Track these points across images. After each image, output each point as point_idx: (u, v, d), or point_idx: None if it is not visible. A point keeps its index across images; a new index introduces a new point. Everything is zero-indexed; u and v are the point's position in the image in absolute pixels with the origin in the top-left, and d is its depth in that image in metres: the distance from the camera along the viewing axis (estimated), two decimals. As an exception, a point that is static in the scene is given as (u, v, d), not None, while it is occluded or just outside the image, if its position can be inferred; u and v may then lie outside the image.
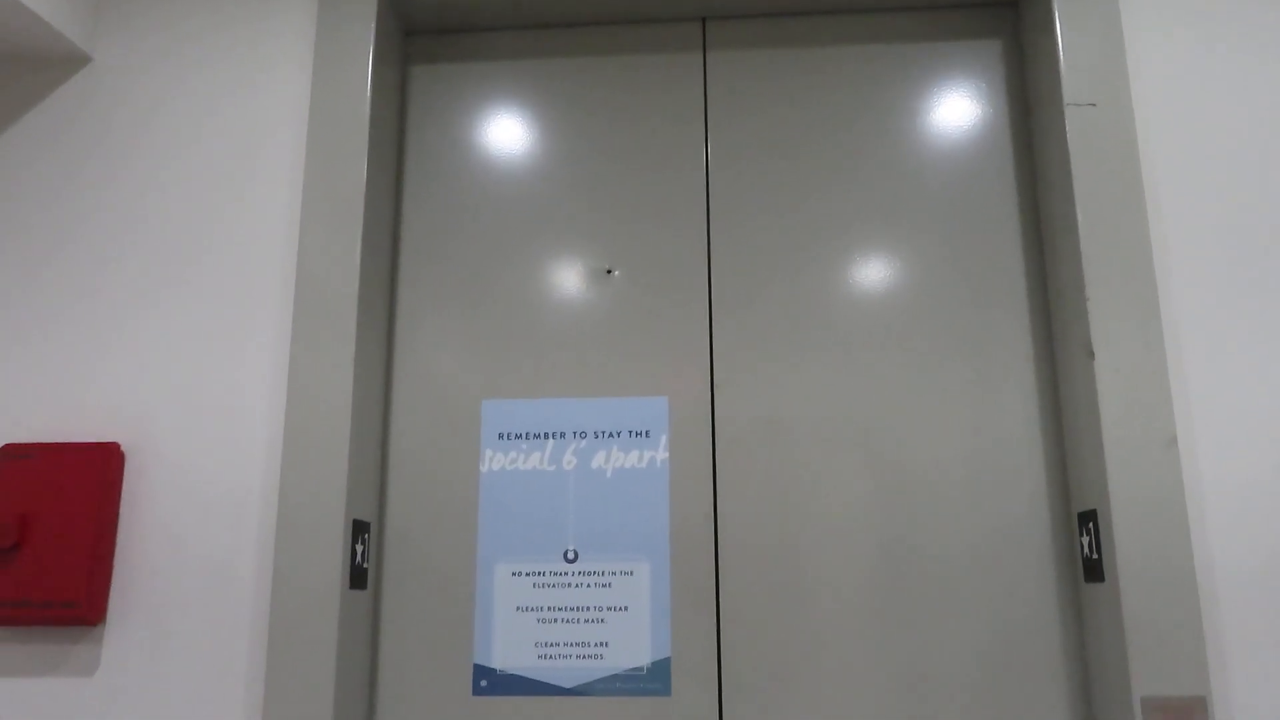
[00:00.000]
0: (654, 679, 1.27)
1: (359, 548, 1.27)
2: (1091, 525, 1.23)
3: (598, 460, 1.33)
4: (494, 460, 1.35)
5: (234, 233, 1.36)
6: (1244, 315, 1.25)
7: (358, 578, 1.27)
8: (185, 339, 1.33)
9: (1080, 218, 1.27)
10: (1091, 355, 1.23)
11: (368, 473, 1.32)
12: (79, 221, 1.39)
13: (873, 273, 1.39)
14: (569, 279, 1.42)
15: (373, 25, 1.41)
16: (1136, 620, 1.16)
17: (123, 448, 1.30)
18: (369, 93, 1.38)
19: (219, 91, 1.42)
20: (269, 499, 1.27)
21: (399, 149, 1.50)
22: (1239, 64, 1.33)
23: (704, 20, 1.51)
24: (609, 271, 1.42)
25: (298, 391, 1.28)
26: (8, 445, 1.27)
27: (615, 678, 1.27)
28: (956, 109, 1.45)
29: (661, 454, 1.33)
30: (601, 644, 1.28)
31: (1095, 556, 1.22)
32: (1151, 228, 1.28)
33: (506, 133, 1.49)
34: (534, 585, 1.30)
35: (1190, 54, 1.34)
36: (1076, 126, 1.30)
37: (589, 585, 1.30)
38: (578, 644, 1.28)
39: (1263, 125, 1.31)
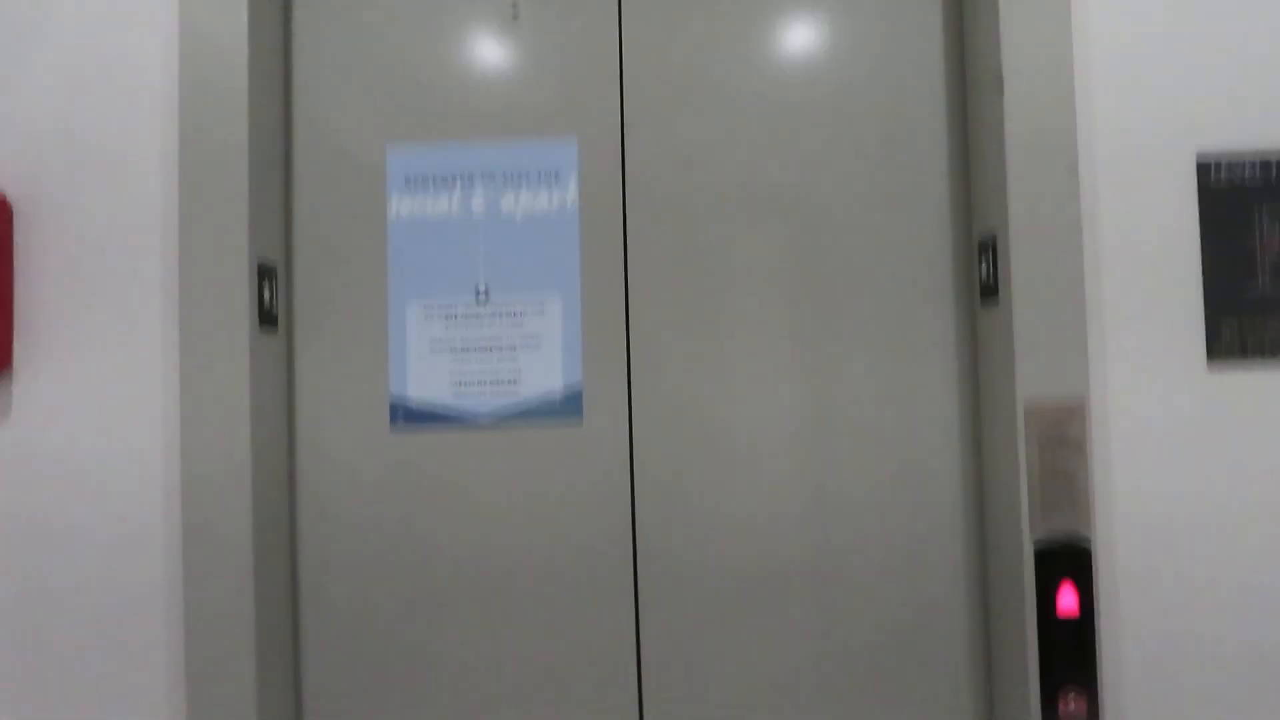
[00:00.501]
0: (566, 408, 1.31)
1: (266, 290, 1.26)
2: (990, 250, 1.26)
3: (507, 203, 1.32)
4: (401, 205, 1.32)
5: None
6: (1151, 40, 1.24)
7: (267, 319, 1.26)
8: (67, 89, 1.25)
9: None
10: (1000, 83, 1.22)
11: (270, 215, 1.29)
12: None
13: (785, 22, 1.35)
14: (472, 22, 1.36)
15: None
16: (1025, 335, 1.21)
17: (10, 200, 1.25)
18: None
19: None
20: (169, 243, 1.24)
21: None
22: None
23: None
24: (514, 13, 1.35)
25: (190, 134, 1.22)
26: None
27: (529, 408, 1.31)
28: None
29: (571, 196, 1.32)
30: (514, 375, 1.31)
31: (991, 280, 1.26)
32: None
33: None
34: (446, 322, 1.31)
35: None
36: None
37: (501, 320, 1.31)
38: (491, 376, 1.31)
39: None
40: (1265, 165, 1.22)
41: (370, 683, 1.31)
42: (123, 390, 1.23)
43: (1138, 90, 1.24)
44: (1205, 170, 1.23)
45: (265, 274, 1.26)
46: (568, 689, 1.30)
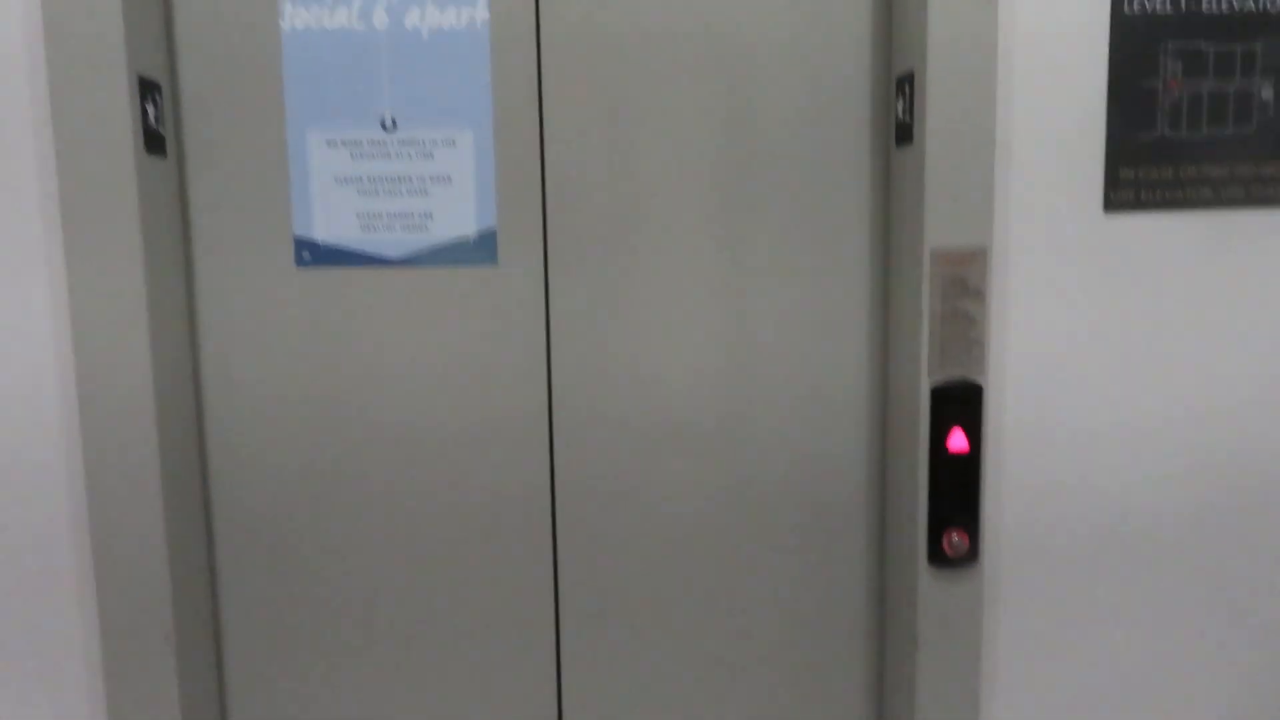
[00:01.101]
0: (480, 249, 1.28)
1: (150, 108, 1.17)
2: (907, 88, 1.25)
3: (412, 18, 1.23)
4: (295, 17, 1.22)
5: None
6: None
7: (153, 142, 1.18)
8: None
9: None
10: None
11: (149, 25, 1.18)
12: None
13: None
14: None
15: None
16: (936, 180, 1.22)
17: None
18: None
19: None
20: (34, 53, 1.13)
21: None
22: None
23: None
24: None
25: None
26: None
27: (441, 248, 1.27)
28: None
29: (481, 13, 1.24)
30: (425, 215, 1.26)
31: (908, 119, 1.25)
32: None
33: None
34: (351, 155, 1.25)
35: None
36: None
37: (410, 155, 1.25)
38: (401, 215, 1.26)
39: None
40: None
41: (281, 550, 1.32)
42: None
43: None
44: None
45: (148, 90, 1.17)
46: (483, 548, 1.34)
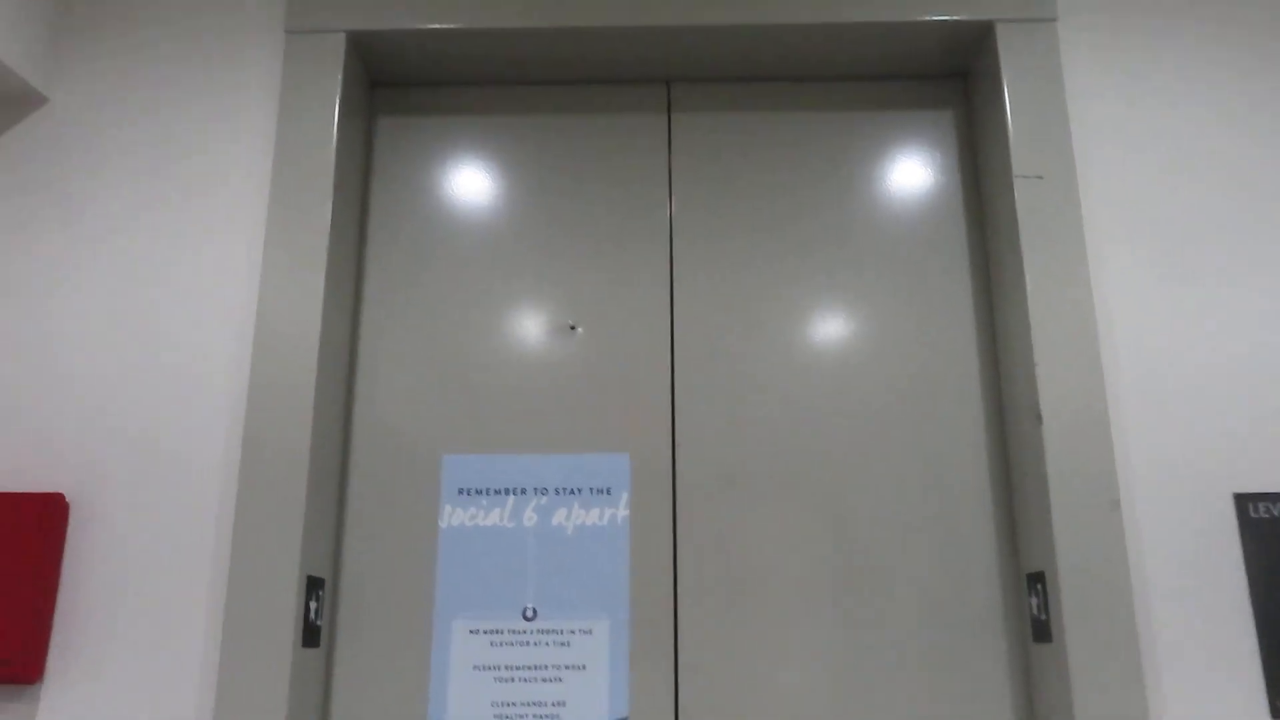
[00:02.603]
0: (611, 739, 1.26)
1: (313, 604, 1.25)
2: (1040, 586, 1.26)
3: (558, 517, 1.33)
4: (453, 516, 1.34)
5: (192, 282, 1.35)
6: (1183, 380, 1.30)
7: (310, 635, 1.24)
8: (136, 387, 1.31)
9: (1029, 286, 1.32)
10: (1040, 420, 1.27)
11: (323, 527, 1.30)
12: (29, 267, 1.36)
13: (831, 332, 1.42)
14: (532, 334, 1.43)
15: (339, 75, 1.41)
16: (1082, 679, 1.18)
17: (67, 498, 1.26)
18: (334, 143, 1.38)
19: (179, 138, 1.41)
20: (221, 554, 1.24)
21: (363, 201, 1.50)
22: (1177, 137, 1.40)
23: (668, 83, 1.55)
24: (572, 327, 1.43)
25: (253, 444, 1.26)
26: (-54, 496, 1.23)
27: (572, 738, 1.26)
28: (912, 176, 1.50)
29: (622, 511, 1.33)
30: (559, 703, 1.27)
31: (1044, 617, 1.25)
32: (1095, 295, 1.34)
33: (472, 187, 1.50)
34: (491, 644, 1.29)
35: (1131, 128, 1.41)
36: (1025, 198, 1.36)
37: (547, 644, 1.29)
38: (534, 703, 1.27)
39: (1199, 195, 1.38)
40: (1302, 499, 1.25)
41: None
42: (156, 714, 1.19)
43: (1171, 427, 1.28)
44: (1244, 503, 1.25)
45: (313, 587, 1.26)
46: None
